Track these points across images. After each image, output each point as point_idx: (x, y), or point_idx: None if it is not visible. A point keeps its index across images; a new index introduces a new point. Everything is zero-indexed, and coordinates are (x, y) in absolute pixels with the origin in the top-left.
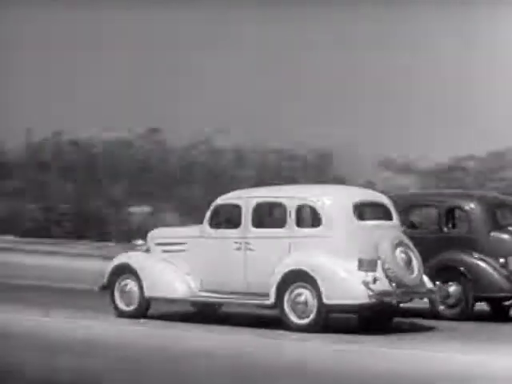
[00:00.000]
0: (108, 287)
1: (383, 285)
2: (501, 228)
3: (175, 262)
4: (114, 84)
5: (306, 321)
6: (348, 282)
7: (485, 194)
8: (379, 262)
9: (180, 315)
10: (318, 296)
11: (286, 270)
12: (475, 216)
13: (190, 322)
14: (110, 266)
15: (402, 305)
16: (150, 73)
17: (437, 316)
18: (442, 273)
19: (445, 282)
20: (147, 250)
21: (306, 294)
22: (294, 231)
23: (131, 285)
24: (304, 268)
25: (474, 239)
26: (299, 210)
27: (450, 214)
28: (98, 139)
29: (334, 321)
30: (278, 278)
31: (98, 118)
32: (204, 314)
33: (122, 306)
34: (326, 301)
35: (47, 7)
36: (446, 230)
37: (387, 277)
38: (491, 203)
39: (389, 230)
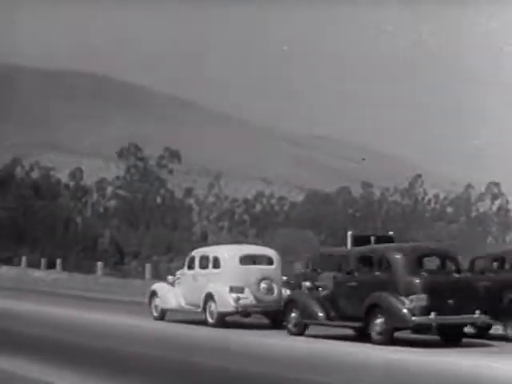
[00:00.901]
0: (149, 303)
1: (245, 301)
2: (417, 273)
3: (176, 288)
4: None
5: (213, 321)
6: (225, 299)
7: (414, 246)
8: (247, 289)
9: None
10: (216, 306)
11: (205, 292)
12: (397, 264)
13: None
14: (148, 290)
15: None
16: None
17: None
18: (373, 308)
19: (374, 315)
20: (172, 283)
21: (213, 305)
22: (212, 271)
23: (157, 301)
24: (211, 291)
25: (395, 282)
26: (215, 259)
27: (381, 263)
28: None
29: None
30: (202, 297)
31: None
32: None
33: (154, 313)
34: (219, 309)
35: None
36: (378, 274)
37: (255, 296)
38: (417, 253)
39: (263, 271)
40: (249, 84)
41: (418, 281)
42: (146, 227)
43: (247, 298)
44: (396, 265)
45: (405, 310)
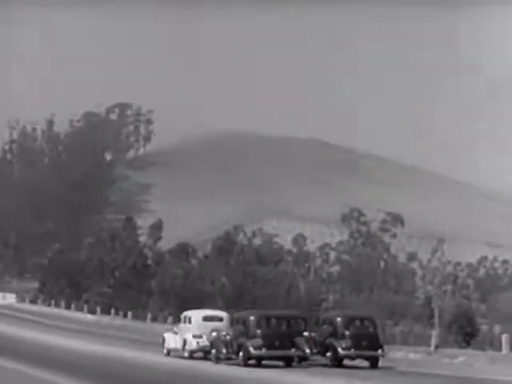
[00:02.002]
0: (162, 345)
1: (203, 343)
2: (260, 327)
3: (177, 336)
4: None
5: (187, 355)
6: (191, 342)
7: (265, 312)
8: (204, 336)
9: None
10: (187, 347)
11: (183, 338)
12: (249, 322)
13: None
14: (161, 337)
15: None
16: None
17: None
18: (238, 347)
19: (240, 350)
20: (175, 332)
21: (186, 346)
22: (187, 325)
23: (165, 344)
24: (185, 337)
25: (248, 332)
26: (189, 318)
27: (244, 321)
28: None
29: None
30: (181, 341)
31: None
32: None
33: (164, 351)
34: (188, 348)
35: None
36: (241, 328)
37: (211, 341)
38: (264, 316)
39: (215, 325)
40: (465, 142)
41: (258, 331)
42: (369, 291)
43: (204, 342)
44: (249, 322)
45: (250, 347)
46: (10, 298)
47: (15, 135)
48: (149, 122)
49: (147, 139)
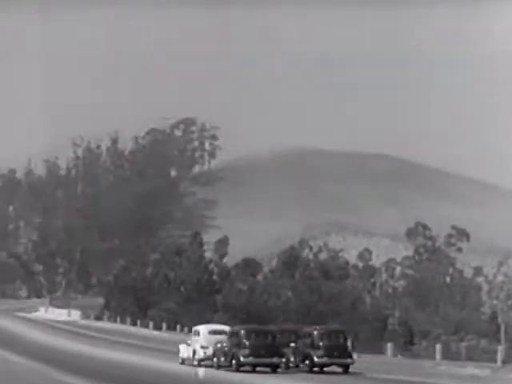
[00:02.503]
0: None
1: (209, 353)
2: (248, 339)
3: (189, 347)
4: None
5: (196, 363)
6: (199, 352)
7: (252, 327)
8: (210, 347)
9: None
10: (196, 356)
11: (192, 349)
12: (240, 334)
13: None
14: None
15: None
16: None
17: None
18: (232, 355)
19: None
20: (189, 344)
21: (196, 356)
22: (196, 338)
23: (180, 354)
24: (194, 348)
25: (240, 343)
26: (198, 331)
27: (237, 334)
28: None
29: None
30: (191, 351)
31: None
32: None
33: (179, 360)
34: (197, 357)
35: None
36: (236, 340)
37: (213, 351)
38: (251, 330)
39: (218, 338)
40: None
41: (247, 343)
42: (434, 306)
43: (210, 352)
44: (240, 335)
45: (240, 356)
46: (75, 315)
47: (79, 153)
48: (213, 137)
49: (212, 155)
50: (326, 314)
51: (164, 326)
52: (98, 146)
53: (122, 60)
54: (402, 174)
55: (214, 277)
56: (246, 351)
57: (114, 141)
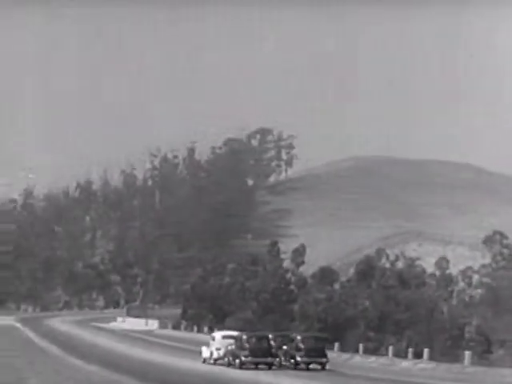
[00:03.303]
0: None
1: (222, 354)
2: (249, 343)
3: (208, 349)
4: None
5: (212, 362)
6: (214, 353)
7: (255, 333)
8: (223, 349)
9: None
10: (212, 356)
11: (210, 350)
12: (241, 339)
13: None
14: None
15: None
16: None
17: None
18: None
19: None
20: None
21: (212, 356)
22: (212, 342)
23: (201, 354)
24: (211, 350)
25: (241, 346)
26: (214, 337)
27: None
28: None
29: None
30: (209, 352)
31: None
32: None
33: (202, 359)
34: (213, 357)
35: None
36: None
37: (224, 353)
38: (252, 336)
39: (231, 342)
40: None
41: (247, 345)
42: (511, 315)
43: (222, 353)
44: (242, 340)
45: (242, 356)
46: (153, 325)
47: (156, 163)
48: (290, 146)
49: (289, 164)
50: (403, 322)
51: None
52: (175, 157)
53: (198, 71)
54: (479, 182)
55: (291, 286)
56: (247, 352)
57: (191, 151)
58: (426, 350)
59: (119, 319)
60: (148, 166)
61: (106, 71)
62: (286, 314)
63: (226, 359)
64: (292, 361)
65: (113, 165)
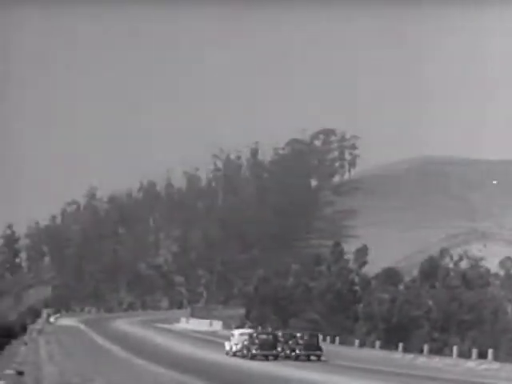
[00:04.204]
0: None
1: (240, 348)
2: (256, 339)
3: (229, 343)
4: None
5: (232, 354)
6: (233, 347)
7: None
8: (240, 344)
9: None
10: (232, 350)
11: (230, 345)
12: (296, 337)
13: None
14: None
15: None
16: None
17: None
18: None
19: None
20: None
21: (232, 349)
22: (232, 338)
23: (225, 347)
24: (231, 344)
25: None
26: (233, 334)
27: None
28: None
29: None
30: (229, 346)
31: None
32: None
33: (225, 352)
34: (232, 350)
35: None
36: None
37: (241, 347)
38: (258, 333)
39: (246, 337)
40: None
41: (256, 341)
42: None
43: (239, 347)
44: (253, 336)
45: (252, 349)
46: (217, 325)
47: (219, 164)
48: (353, 147)
49: (352, 164)
50: (466, 322)
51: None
52: (238, 157)
53: (262, 72)
54: None
55: (355, 286)
56: (256, 346)
57: (254, 152)
58: (490, 351)
59: (183, 320)
60: (211, 167)
61: (178, 73)
62: (350, 314)
63: (242, 352)
64: (293, 353)
65: (176, 166)
